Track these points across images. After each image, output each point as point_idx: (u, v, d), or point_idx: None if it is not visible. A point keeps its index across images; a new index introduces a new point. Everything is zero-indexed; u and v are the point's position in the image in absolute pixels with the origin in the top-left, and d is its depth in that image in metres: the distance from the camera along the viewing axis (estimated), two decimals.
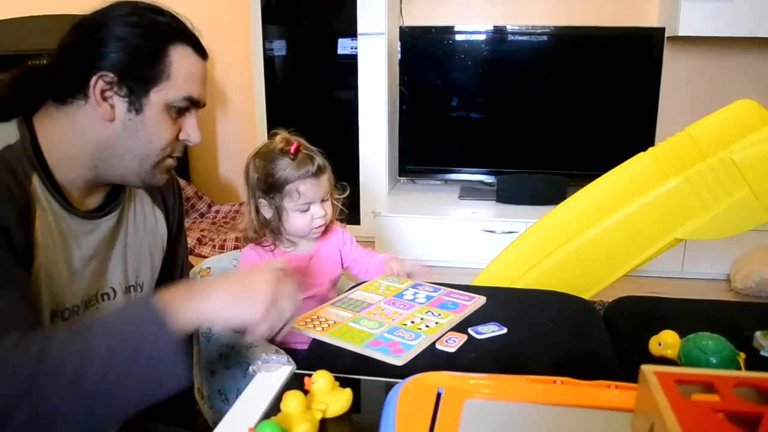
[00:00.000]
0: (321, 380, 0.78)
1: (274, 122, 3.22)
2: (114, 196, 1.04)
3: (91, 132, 0.93)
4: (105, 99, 0.91)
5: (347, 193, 1.50)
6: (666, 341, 1.06)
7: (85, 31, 0.93)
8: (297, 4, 3.38)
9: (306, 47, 3.41)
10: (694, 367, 0.96)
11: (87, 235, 0.98)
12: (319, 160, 1.35)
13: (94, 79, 0.90)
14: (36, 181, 0.90)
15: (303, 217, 1.36)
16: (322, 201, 1.38)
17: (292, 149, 1.32)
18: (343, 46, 3.29)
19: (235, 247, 2.78)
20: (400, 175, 3.40)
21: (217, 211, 3.51)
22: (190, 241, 2.91)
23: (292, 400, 0.73)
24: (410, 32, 3.17)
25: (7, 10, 3.46)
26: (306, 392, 0.77)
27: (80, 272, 0.97)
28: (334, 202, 1.43)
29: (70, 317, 0.95)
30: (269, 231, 1.38)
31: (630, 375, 0.94)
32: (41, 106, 0.95)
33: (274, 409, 0.78)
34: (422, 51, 3.19)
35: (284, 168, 1.32)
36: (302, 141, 1.36)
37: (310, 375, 0.79)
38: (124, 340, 0.77)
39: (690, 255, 2.84)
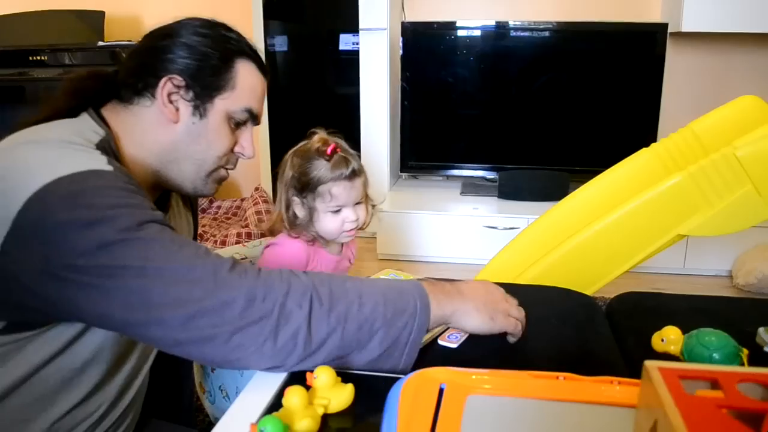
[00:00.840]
0: (323, 375, 0.78)
1: (275, 118, 3.21)
2: (162, 200, 1.08)
3: (157, 133, 0.97)
4: (171, 101, 0.95)
5: (384, 201, 1.50)
6: (669, 337, 1.06)
7: (156, 38, 0.98)
8: None
9: (307, 43, 3.41)
10: (698, 363, 0.96)
11: None
12: (355, 163, 1.34)
13: (163, 80, 0.94)
14: None
15: (334, 220, 1.36)
16: (356, 204, 1.37)
17: (329, 150, 1.31)
18: (345, 41, 3.28)
19: (236, 242, 2.78)
20: (401, 171, 3.40)
21: (219, 207, 3.51)
22: None
23: (294, 396, 0.73)
24: (412, 28, 3.16)
25: (8, 6, 3.46)
26: (308, 388, 0.77)
27: None
28: (368, 208, 1.42)
29: None
30: (302, 229, 1.37)
31: (632, 371, 0.94)
32: (104, 105, 0.98)
33: (275, 404, 0.78)
34: (424, 47, 3.19)
35: (319, 168, 1.31)
36: (341, 142, 1.36)
37: (312, 370, 0.79)
38: (389, 303, 0.84)
39: (692, 251, 2.84)
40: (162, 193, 1.07)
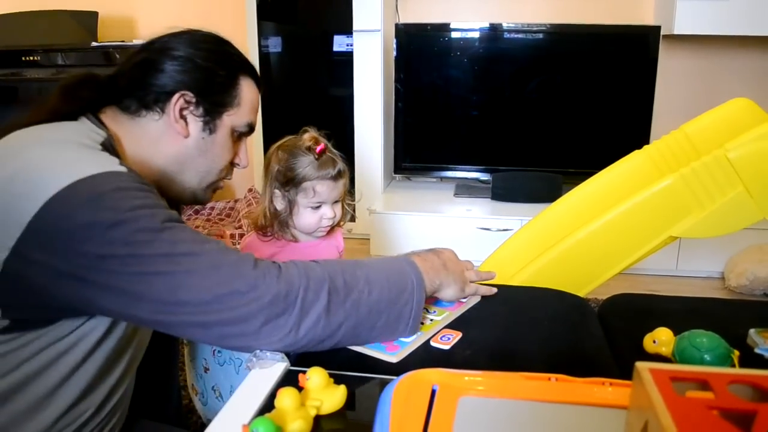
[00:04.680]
0: (315, 377, 0.78)
1: (269, 119, 3.21)
2: None
3: (164, 146, 0.98)
4: (182, 117, 0.98)
5: (360, 199, 1.53)
6: (660, 339, 1.07)
7: (161, 51, 0.98)
8: (292, 0, 3.38)
9: (301, 44, 3.40)
10: (689, 365, 0.96)
11: None
12: (340, 164, 1.39)
13: (176, 96, 0.96)
14: None
15: (312, 215, 1.39)
16: (334, 203, 1.41)
17: (318, 149, 1.35)
18: (339, 43, 3.28)
19: (230, 243, 2.77)
20: (395, 173, 3.40)
21: (212, 208, 3.50)
22: None
23: (286, 397, 0.73)
24: (406, 29, 3.16)
25: (1, 6, 3.44)
26: (300, 389, 0.77)
27: None
28: (345, 206, 1.46)
29: None
30: (278, 222, 1.41)
31: (624, 372, 0.95)
32: (102, 109, 0.99)
33: (268, 405, 0.78)
34: (418, 48, 3.19)
35: (305, 165, 1.35)
36: (328, 144, 1.40)
37: (304, 372, 0.79)
38: (393, 285, 0.93)
39: (684, 253, 2.85)
40: None
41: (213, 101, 0.99)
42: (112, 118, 0.98)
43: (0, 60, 3.19)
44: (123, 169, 0.85)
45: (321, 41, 3.34)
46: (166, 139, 0.98)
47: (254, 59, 3.26)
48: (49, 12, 3.44)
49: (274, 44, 3.37)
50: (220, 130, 1.01)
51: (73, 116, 0.94)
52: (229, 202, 3.55)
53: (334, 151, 1.41)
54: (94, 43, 3.26)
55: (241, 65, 1.05)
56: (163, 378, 1.33)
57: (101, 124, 0.95)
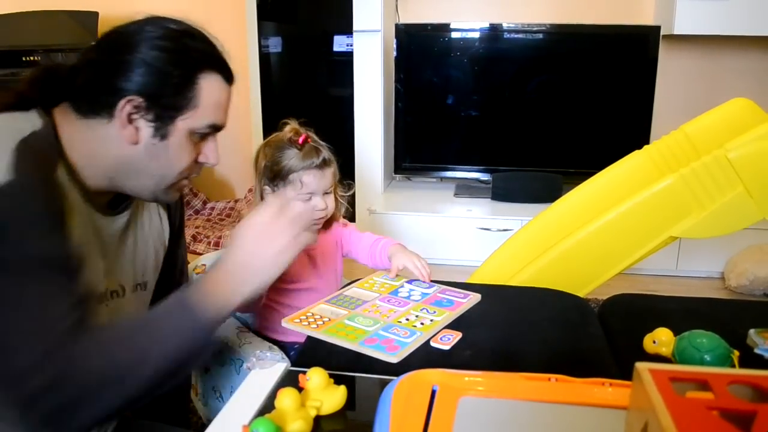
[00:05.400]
0: (315, 377, 0.78)
1: (269, 119, 3.21)
2: (122, 196, 1.03)
3: (112, 148, 0.93)
4: (131, 122, 0.91)
5: (352, 191, 1.51)
6: (660, 339, 1.07)
7: (116, 50, 0.92)
8: (293, 0, 3.38)
9: (301, 44, 3.40)
10: (689, 365, 0.96)
11: (104, 230, 0.99)
12: (325, 153, 1.37)
13: (122, 102, 0.89)
14: (61, 171, 0.90)
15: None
16: (325, 194, 1.38)
17: (300, 140, 1.33)
18: (339, 43, 3.28)
19: None
20: (395, 173, 3.40)
21: (212, 208, 3.50)
22: (185, 238, 2.91)
23: (287, 397, 0.73)
24: (406, 29, 3.16)
25: (1, 6, 3.44)
26: (300, 389, 0.77)
27: (95, 267, 0.96)
28: (338, 198, 1.44)
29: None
30: None
31: (624, 373, 0.95)
32: (60, 104, 0.95)
33: (268, 406, 0.78)
34: (418, 48, 3.19)
35: (290, 158, 1.34)
36: (311, 134, 1.38)
37: (304, 372, 0.79)
38: (167, 341, 0.84)
39: (684, 253, 2.85)
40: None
41: (165, 105, 0.91)
42: (63, 115, 0.94)
43: (0, 60, 3.19)
44: (7, 178, 0.80)
45: (321, 41, 3.34)
46: (116, 143, 0.92)
47: (254, 59, 3.26)
48: (49, 12, 3.44)
49: (274, 44, 3.37)
50: (173, 135, 0.93)
51: (26, 106, 0.92)
52: (229, 202, 3.55)
53: (318, 140, 1.39)
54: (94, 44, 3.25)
55: (204, 61, 0.95)
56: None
57: (46, 115, 0.92)
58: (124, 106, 0.89)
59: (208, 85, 0.94)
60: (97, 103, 0.91)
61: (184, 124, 0.93)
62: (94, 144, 0.93)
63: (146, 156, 0.94)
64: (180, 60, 0.92)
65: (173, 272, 1.22)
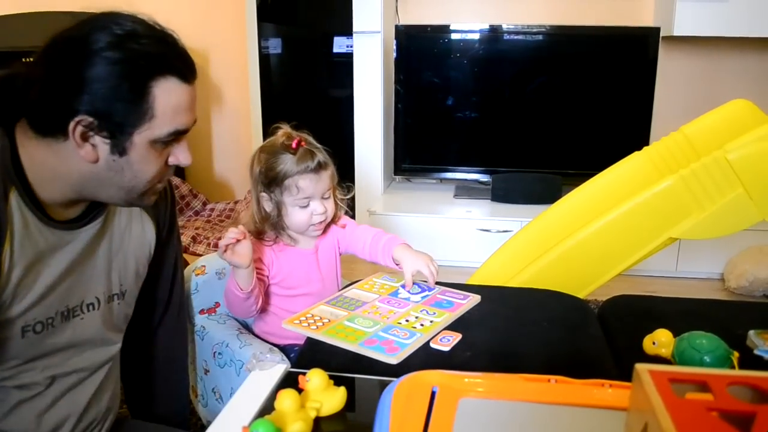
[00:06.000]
0: (315, 379, 0.78)
1: (269, 121, 3.20)
2: (97, 204, 1.00)
3: (73, 167, 0.89)
4: (86, 140, 0.87)
5: (352, 193, 1.48)
6: (660, 340, 1.07)
7: (63, 65, 0.86)
8: (292, 2, 3.38)
9: (301, 45, 3.40)
10: (688, 366, 0.96)
11: (67, 246, 0.95)
12: (321, 156, 1.34)
13: (72, 123, 0.85)
14: (13, 197, 0.87)
15: (302, 213, 1.35)
16: (323, 198, 1.36)
17: (294, 144, 1.31)
18: (339, 44, 3.28)
19: None
20: (395, 174, 3.40)
21: (212, 210, 3.50)
22: (185, 239, 2.90)
23: (287, 399, 0.73)
24: (406, 31, 3.16)
25: (1, 7, 3.45)
26: (300, 391, 0.77)
27: (56, 285, 0.94)
28: (337, 201, 1.42)
29: (42, 330, 0.93)
30: (270, 225, 1.37)
31: (624, 374, 0.95)
32: (20, 119, 0.90)
33: (268, 407, 0.78)
34: (418, 50, 3.19)
35: (285, 162, 1.31)
36: (305, 136, 1.35)
37: (304, 373, 0.79)
38: None
39: (684, 254, 2.85)
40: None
41: (117, 122, 0.86)
42: (23, 132, 0.90)
43: (0, 60, 3.19)
44: None
45: (321, 43, 3.34)
46: (75, 161, 0.88)
47: (254, 60, 3.26)
48: (49, 13, 3.44)
49: (274, 45, 3.37)
50: (132, 150, 0.89)
51: None
52: (229, 203, 3.55)
53: (314, 143, 1.36)
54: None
55: (155, 66, 0.87)
56: (172, 379, 1.30)
57: (5, 134, 0.89)
58: (75, 128, 0.85)
59: (163, 92, 0.88)
60: (49, 122, 0.87)
61: (142, 137, 0.89)
62: (55, 162, 0.89)
63: (110, 171, 0.90)
64: (128, 71, 0.85)
65: (161, 272, 1.20)
